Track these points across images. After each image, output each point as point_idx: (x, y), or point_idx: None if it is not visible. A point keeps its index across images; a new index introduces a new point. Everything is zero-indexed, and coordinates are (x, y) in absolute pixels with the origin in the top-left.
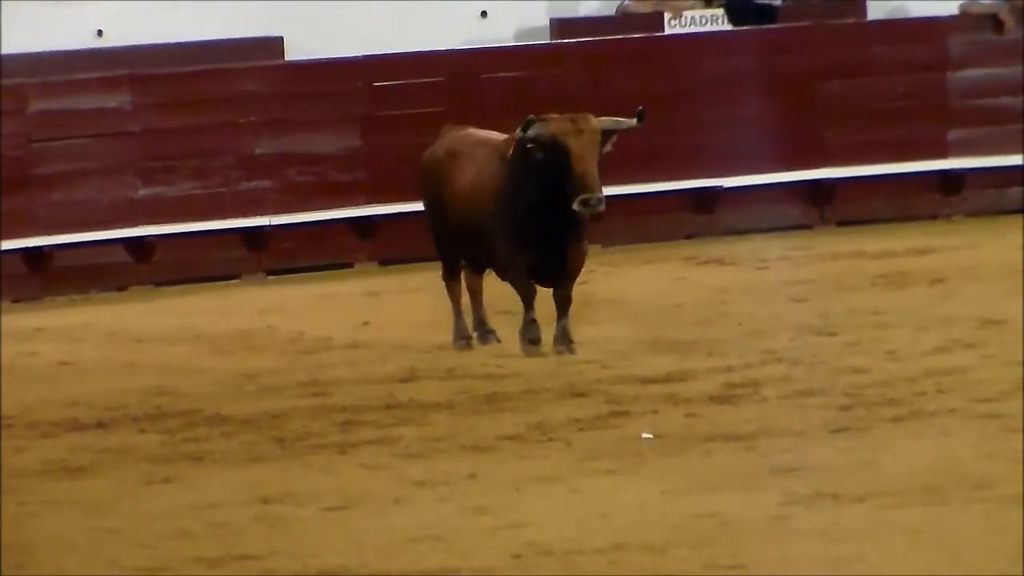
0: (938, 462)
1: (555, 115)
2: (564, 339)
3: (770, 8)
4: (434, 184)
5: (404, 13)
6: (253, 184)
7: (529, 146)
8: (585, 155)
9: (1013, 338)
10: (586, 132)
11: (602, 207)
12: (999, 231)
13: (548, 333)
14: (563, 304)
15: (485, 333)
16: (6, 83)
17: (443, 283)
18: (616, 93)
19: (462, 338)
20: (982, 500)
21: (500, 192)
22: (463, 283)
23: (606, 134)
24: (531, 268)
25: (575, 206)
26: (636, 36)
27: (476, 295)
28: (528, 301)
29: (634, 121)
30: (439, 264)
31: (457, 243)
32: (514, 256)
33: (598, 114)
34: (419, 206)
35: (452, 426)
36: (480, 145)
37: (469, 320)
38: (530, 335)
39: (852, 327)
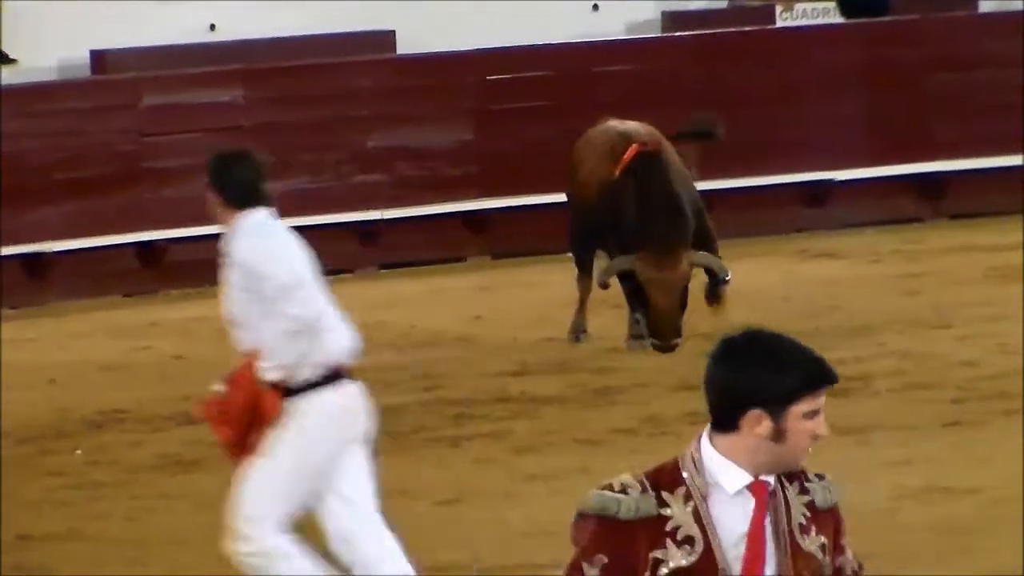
0: None
1: (647, 254)
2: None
3: (882, 0)
4: (571, 177)
5: (515, 6)
6: (365, 178)
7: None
8: (662, 307)
9: None
10: (671, 278)
11: (674, 349)
12: None
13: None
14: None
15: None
16: (119, 77)
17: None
18: (727, 86)
19: (577, 332)
20: None
21: (604, 188)
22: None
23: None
24: None
25: (646, 343)
26: (748, 29)
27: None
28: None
29: (728, 273)
30: (551, 258)
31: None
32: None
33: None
34: (531, 200)
35: (564, 420)
36: (602, 136)
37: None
38: (632, 331)
39: (964, 320)
